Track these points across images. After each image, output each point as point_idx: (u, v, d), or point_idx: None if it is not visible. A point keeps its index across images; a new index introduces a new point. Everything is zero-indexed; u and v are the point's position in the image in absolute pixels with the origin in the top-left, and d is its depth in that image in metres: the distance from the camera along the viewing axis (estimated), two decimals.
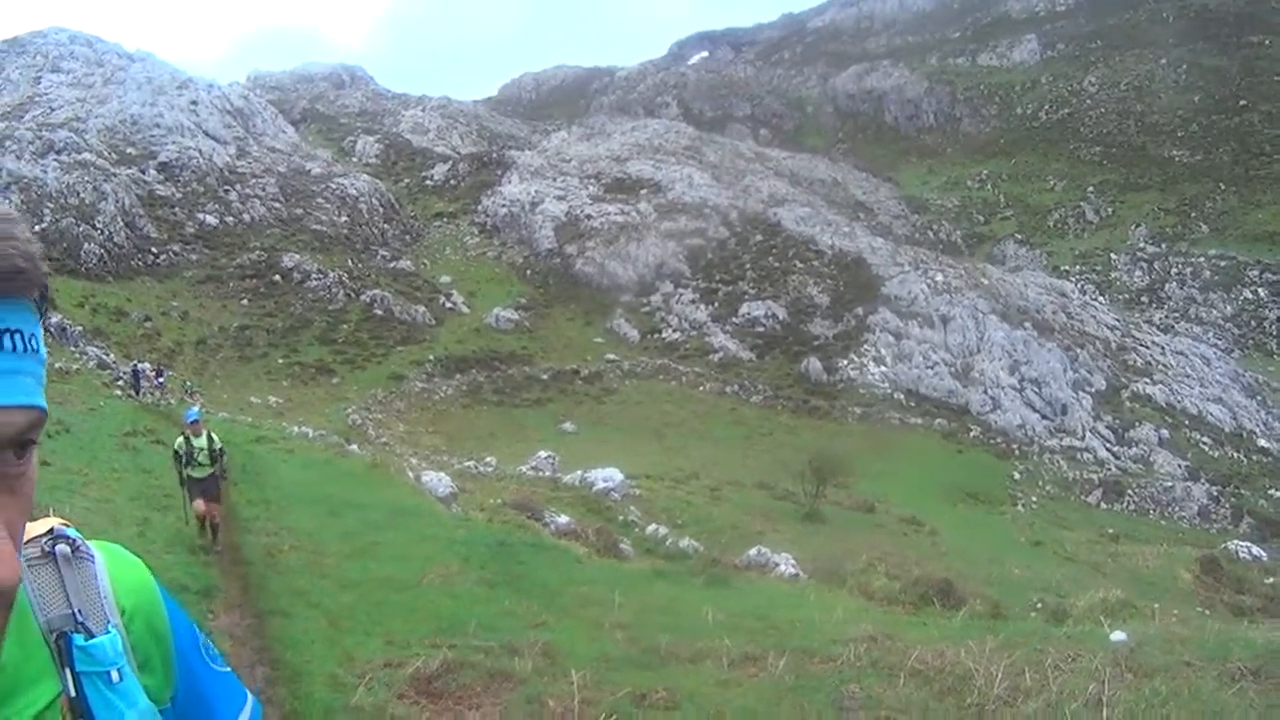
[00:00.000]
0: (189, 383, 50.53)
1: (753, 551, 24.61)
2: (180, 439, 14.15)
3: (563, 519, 21.72)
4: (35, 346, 1.12)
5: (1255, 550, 39.45)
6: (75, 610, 1.32)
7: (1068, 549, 39.08)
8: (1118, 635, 8.29)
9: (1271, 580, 32.78)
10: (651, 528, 27.48)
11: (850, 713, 6.27)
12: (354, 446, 33.24)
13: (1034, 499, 54.27)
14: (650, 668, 7.96)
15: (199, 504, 13.51)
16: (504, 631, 8.93)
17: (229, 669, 1.59)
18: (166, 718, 1.42)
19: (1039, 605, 17.01)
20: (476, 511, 19.64)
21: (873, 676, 7.26)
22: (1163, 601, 27.81)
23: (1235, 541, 42.35)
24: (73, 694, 1.26)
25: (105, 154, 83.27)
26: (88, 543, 1.42)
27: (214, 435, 14.35)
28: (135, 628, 1.42)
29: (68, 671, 1.27)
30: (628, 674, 7.63)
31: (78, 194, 73.43)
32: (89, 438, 24.35)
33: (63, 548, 1.38)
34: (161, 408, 36.57)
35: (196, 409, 15.33)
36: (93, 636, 1.31)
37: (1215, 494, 56.13)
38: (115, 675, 1.31)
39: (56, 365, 39.85)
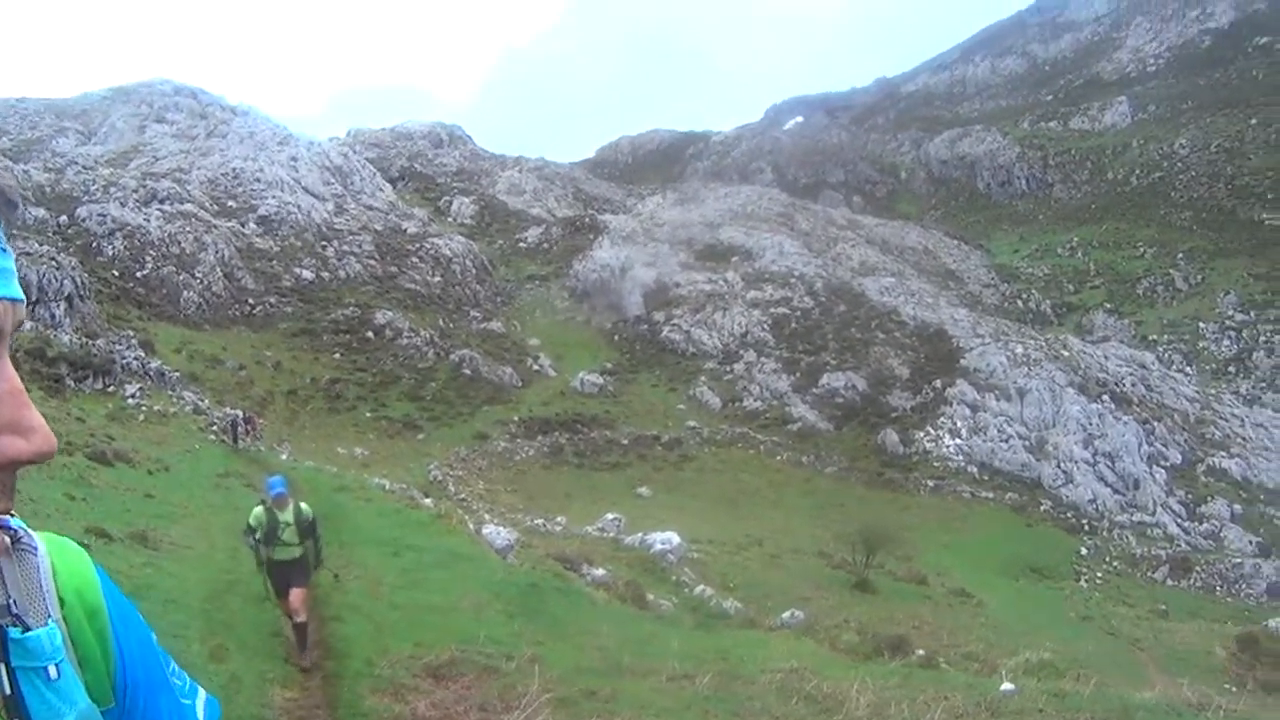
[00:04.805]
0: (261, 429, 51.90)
1: (787, 614, 26.33)
2: (258, 509, 11.59)
3: (599, 571, 23.60)
4: (2, 246, 1.21)
5: None
6: (11, 602, 1.27)
7: (1113, 624, 39.86)
8: (1006, 686, 9.82)
9: None
10: (700, 588, 29.19)
11: (742, 718, 8.33)
12: (427, 499, 35.45)
13: (1099, 575, 54.26)
14: (609, 676, 10.14)
15: (292, 598, 10.83)
16: (506, 645, 11.27)
17: (184, 681, 1.56)
18: (110, 718, 1.37)
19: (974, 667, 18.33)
20: (527, 562, 21.80)
21: (773, 696, 9.27)
22: (1190, 676, 28.76)
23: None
24: (8, 691, 1.22)
25: (207, 205, 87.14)
26: (32, 533, 1.37)
27: (304, 506, 11.73)
28: (74, 619, 1.38)
29: (2, 667, 1.23)
30: (590, 679, 9.85)
31: (179, 243, 77.03)
32: (187, 477, 27.66)
33: (2, 538, 1.32)
34: (252, 452, 39.11)
35: (282, 478, 12.72)
36: (29, 630, 1.27)
37: None
38: (53, 671, 1.27)
39: (156, 408, 42.34)
